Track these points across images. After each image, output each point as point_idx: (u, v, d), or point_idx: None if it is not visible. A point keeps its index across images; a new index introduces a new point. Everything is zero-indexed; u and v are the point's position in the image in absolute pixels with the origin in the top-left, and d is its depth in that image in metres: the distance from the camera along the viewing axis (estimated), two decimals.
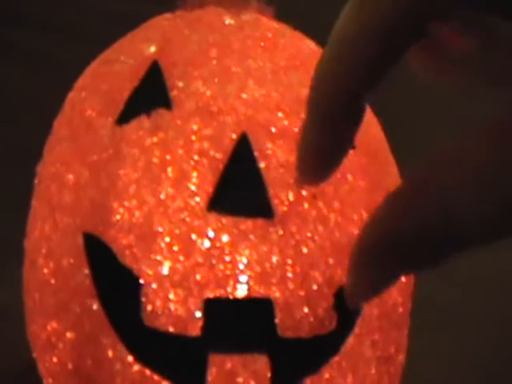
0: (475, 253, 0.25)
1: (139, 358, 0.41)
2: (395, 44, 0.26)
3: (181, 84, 0.43)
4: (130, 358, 0.41)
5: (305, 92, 0.43)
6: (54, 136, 0.47)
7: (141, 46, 0.46)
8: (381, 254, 0.25)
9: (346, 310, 0.42)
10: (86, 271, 0.42)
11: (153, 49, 0.45)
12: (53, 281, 0.43)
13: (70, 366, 0.43)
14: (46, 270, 0.43)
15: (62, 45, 0.86)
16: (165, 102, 0.43)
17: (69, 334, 0.43)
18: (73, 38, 0.87)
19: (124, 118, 0.43)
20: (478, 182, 0.24)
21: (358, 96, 0.27)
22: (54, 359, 0.44)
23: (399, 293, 0.45)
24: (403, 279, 0.45)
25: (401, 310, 0.45)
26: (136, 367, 0.41)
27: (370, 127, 0.47)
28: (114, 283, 0.42)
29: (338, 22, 0.27)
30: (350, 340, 0.43)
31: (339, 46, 0.26)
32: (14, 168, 0.70)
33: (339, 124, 0.28)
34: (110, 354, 0.41)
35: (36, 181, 0.47)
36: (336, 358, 0.42)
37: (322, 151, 0.28)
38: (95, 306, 0.42)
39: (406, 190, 0.26)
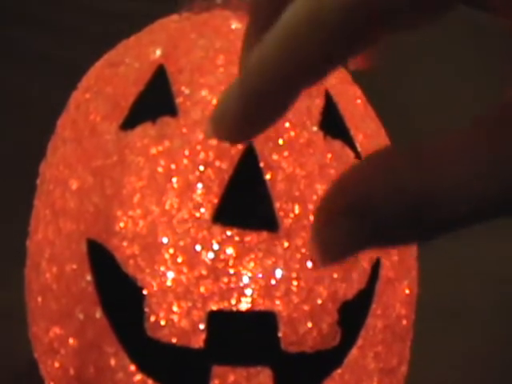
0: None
1: (142, 368, 0.41)
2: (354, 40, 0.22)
3: (187, 91, 0.43)
4: (133, 367, 0.41)
5: (312, 102, 0.44)
6: (57, 136, 0.46)
7: (146, 49, 0.45)
8: (347, 217, 0.21)
9: (349, 323, 0.42)
10: (89, 278, 0.42)
11: (158, 52, 0.45)
12: (55, 286, 0.43)
13: (71, 371, 0.43)
14: (48, 275, 0.43)
15: (62, 45, 0.86)
16: (170, 108, 0.43)
17: (71, 341, 0.42)
18: (73, 38, 0.87)
19: (129, 123, 0.43)
20: (475, 155, 0.21)
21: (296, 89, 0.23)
22: (56, 364, 0.44)
23: (403, 305, 0.44)
24: (407, 291, 0.45)
25: (404, 322, 0.45)
26: (138, 376, 0.41)
27: (377, 137, 0.47)
28: (118, 291, 0.42)
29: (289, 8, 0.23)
30: (353, 352, 0.43)
31: (289, 36, 0.23)
32: (15, 168, 0.70)
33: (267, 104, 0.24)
34: (113, 362, 0.41)
35: (38, 181, 0.47)
36: (339, 371, 0.42)
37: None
38: (98, 314, 0.41)
39: (383, 151, 0.22)
